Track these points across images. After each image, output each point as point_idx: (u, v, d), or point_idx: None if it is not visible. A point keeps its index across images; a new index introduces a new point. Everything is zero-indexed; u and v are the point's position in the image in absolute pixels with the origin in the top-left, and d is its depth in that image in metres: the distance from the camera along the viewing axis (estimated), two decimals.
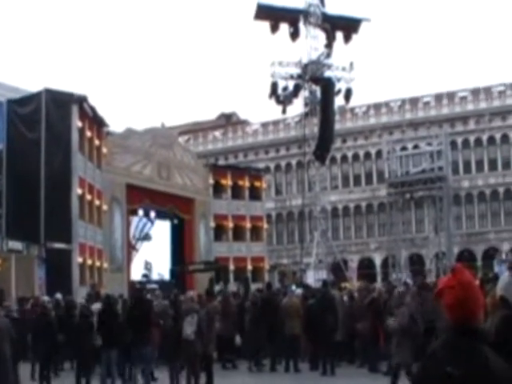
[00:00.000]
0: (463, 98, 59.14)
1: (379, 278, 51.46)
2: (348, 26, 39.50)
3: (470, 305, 3.09)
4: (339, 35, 39.38)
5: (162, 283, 34.03)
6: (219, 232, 44.95)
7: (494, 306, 7.39)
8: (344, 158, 61.32)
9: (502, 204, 57.15)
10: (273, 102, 39.18)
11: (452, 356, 2.96)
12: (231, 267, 43.50)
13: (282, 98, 38.86)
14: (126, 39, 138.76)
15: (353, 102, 46.31)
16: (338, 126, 49.21)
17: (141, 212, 37.78)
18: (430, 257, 50.45)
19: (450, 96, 59.44)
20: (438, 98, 59.93)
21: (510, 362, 6.07)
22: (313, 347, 16.97)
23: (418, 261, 53.68)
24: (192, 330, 12.97)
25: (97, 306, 15.20)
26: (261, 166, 57.59)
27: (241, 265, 44.55)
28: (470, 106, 58.61)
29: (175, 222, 41.01)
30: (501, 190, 56.96)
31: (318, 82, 39.16)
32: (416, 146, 50.42)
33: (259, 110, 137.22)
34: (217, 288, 28.51)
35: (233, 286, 33.02)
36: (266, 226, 48.86)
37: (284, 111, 39.87)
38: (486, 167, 57.86)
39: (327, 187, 55.40)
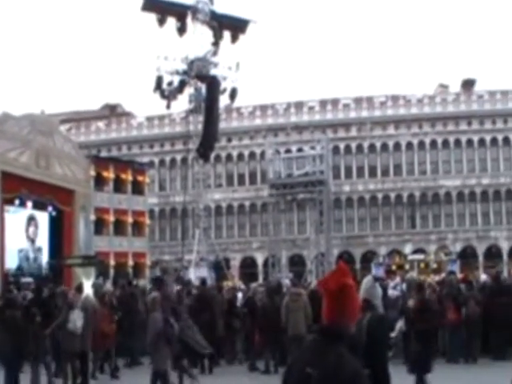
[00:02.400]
0: (346, 106, 60.81)
1: (261, 278, 51.99)
2: (235, 26, 39.72)
3: (332, 310, 3.26)
4: (227, 34, 39.55)
5: (37, 277, 32.90)
6: (100, 226, 43.92)
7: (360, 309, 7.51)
8: (229, 156, 61.60)
9: (381, 209, 59.18)
10: (157, 96, 38.79)
11: (312, 357, 3.13)
12: (112, 262, 42.63)
13: (167, 93, 38.52)
14: (4, 19, 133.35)
15: (239, 102, 46.66)
16: (223, 125, 49.30)
17: (17, 202, 36.32)
18: (310, 258, 51.34)
19: (334, 102, 60.96)
20: (323, 103, 61.33)
21: (378, 358, 6.12)
22: None
23: (299, 261, 54.64)
24: (81, 323, 12.59)
25: None
26: (145, 160, 56.80)
27: (122, 260, 43.71)
28: (353, 114, 60.38)
29: (53, 213, 39.72)
30: (379, 195, 58.98)
31: (203, 80, 39.09)
32: (300, 149, 51.22)
33: (144, 103, 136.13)
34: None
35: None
36: (148, 221, 48.21)
37: (168, 106, 39.53)
38: (366, 173, 59.74)
39: (211, 185, 55.48)
